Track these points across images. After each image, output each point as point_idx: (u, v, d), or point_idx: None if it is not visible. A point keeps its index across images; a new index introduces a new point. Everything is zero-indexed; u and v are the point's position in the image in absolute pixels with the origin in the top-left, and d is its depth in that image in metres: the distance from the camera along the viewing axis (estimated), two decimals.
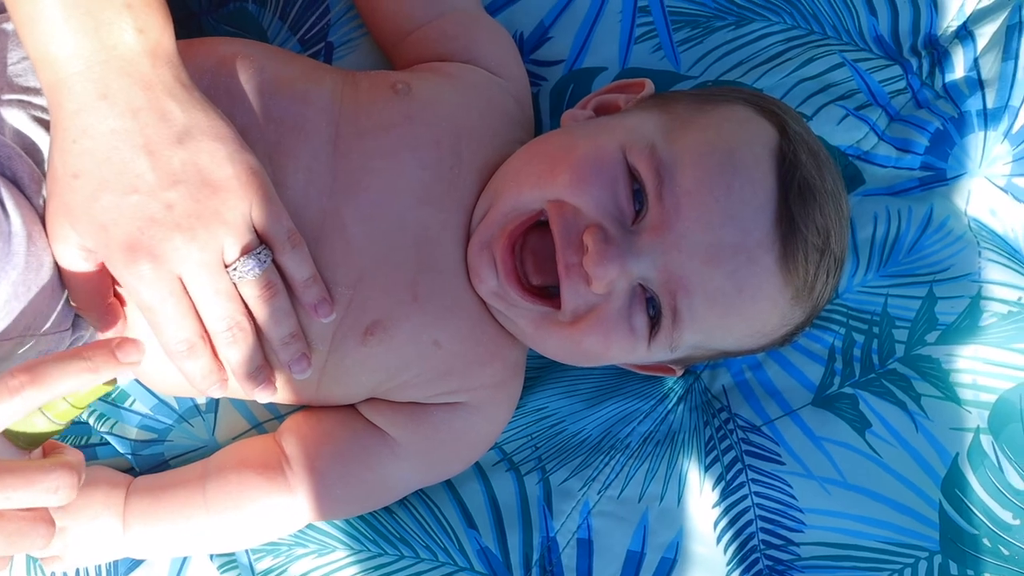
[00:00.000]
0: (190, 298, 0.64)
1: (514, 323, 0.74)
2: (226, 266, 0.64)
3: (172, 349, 0.66)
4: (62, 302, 0.68)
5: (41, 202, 0.67)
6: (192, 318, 0.65)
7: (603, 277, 0.67)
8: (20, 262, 0.63)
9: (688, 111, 0.72)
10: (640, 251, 0.68)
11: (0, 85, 0.68)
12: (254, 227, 0.65)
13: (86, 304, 0.67)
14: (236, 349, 0.66)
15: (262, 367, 0.68)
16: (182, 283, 0.64)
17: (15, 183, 0.66)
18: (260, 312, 0.66)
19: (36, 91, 0.68)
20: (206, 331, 0.66)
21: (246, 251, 0.64)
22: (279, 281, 0.67)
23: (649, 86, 0.79)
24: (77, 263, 0.65)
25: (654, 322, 0.71)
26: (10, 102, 0.67)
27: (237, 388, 0.70)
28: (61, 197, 0.62)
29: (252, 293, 0.66)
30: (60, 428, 0.60)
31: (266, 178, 0.66)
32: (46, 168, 0.67)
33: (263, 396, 0.69)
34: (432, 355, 0.74)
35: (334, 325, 0.72)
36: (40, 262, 0.65)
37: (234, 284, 0.65)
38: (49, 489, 0.55)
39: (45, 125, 0.67)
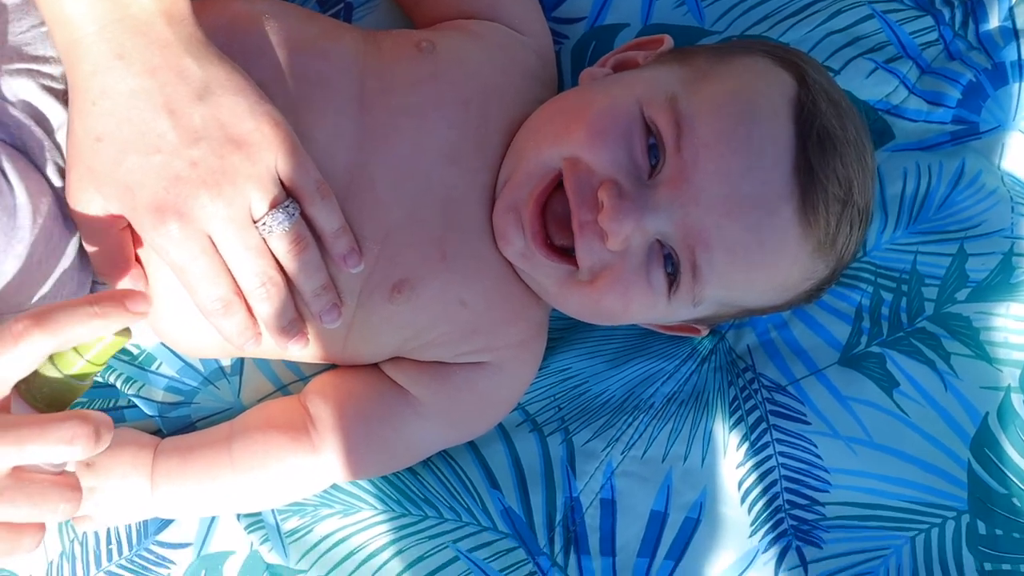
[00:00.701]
0: (221, 256, 0.64)
1: (538, 283, 0.74)
2: (255, 221, 0.64)
3: (208, 308, 0.66)
4: (78, 270, 0.69)
5: (50, 171, 0.67)
6: (225, 276, 0.65)
7: (618, 233, 0.67)
8: (26, 235, 0.64)
9: (707, 63, 0.72)
10: (656, 206, 0.67)
11: (9, 55, 0.68)
12: (280, 180, 0.65)
13: (109, 269, 0.68)
14: (269, 304, 0.66)
15: (295, 320, 0.69)
16: (212, 241, 0.64)
17: (25, 153, 0.66)
18: (291, 266, 0.66)
19: (45, 60, 0.68)
20: (239, 288, 0.66)
21: (274, 205, 0.64)
22: (308, 234, 0.67)
23: (668, 41, 0.77)
24: (100, 228, 0.65)
25: (672, 278, 0.70)
26: (19, 71, 0.67)
27: (269, 344, 0.70)
28: (85, 161, 0.62)
29: (282, 247, 0.65)
30: (82, 387, 0.60)
31: (290, 129, 0.65)
32: (57, 137, 0.68)
33: (296, 349, 0.70)
34: (458, 314, 0.74)
35: (362, 280, 0.72)
36: (49, 233, 0.66)
37: (263, 239, 0.65)
38: (63, 439, 0.54)
39: (55, 94, 0.67)
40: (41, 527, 0.58)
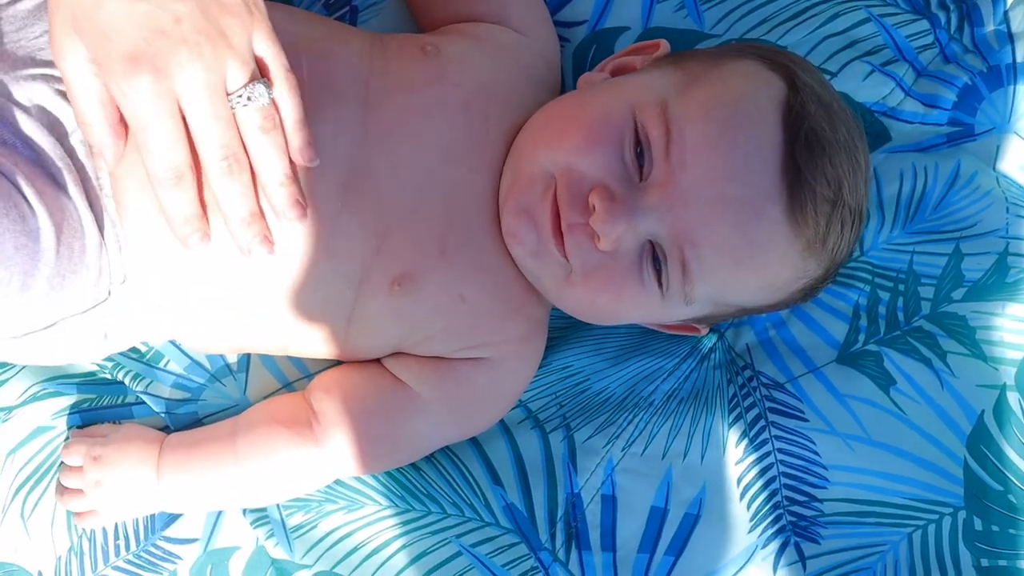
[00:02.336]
0: (186, 125, 0.62)
1: (541, 282, 0.76)
2: (228, 95, 0.62)
3: (160, 176, 0.62)
4: (96, 279, 0.70)
5: (67, 180, 0.68)
6: (185, 145, 0.62)
7: (609, 234, 0.68)
8: (51, 257, 0.65)
9: (700, 67, 0.73)
10: (646, 207, 0.69)
11: (24, 61, 0.69)
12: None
13: (94, 125, 0.65)
14: (231, 182, 0.63)
15: (256, 215, 0.65)
16: (179, 107, 0.61)
17: (39, 164, 0.66)
18: (259, 146, 0.63)
19: (55, 65, 0.68)
20: (196, 164, 0.63)
21: (250, 80, 0.62)
22: (277, 115, 0.64)
23: (665, 46, 0.79)
24: (86, 80, 0.62)
25: (662, 275, 0.71)
26: (33, 76, 0.68)
27: (271, 339, 0.70)
28: (67, 7, 0.60)
29: (254, 123, 0.63)
30: None
31: (266, 12, 0.64)
32: (71, 141, 0.68)
33: (261, 251, 0.66)
34: (457, 309, 0.75)
35: (362, 271, 0.73)
36: (71, 249, 0.66)
37: (233, 112, 0.62)
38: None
39: (66, 97, 0.68)
40: None
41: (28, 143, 0.68)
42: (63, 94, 0.68)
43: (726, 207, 0.68)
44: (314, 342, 0.77)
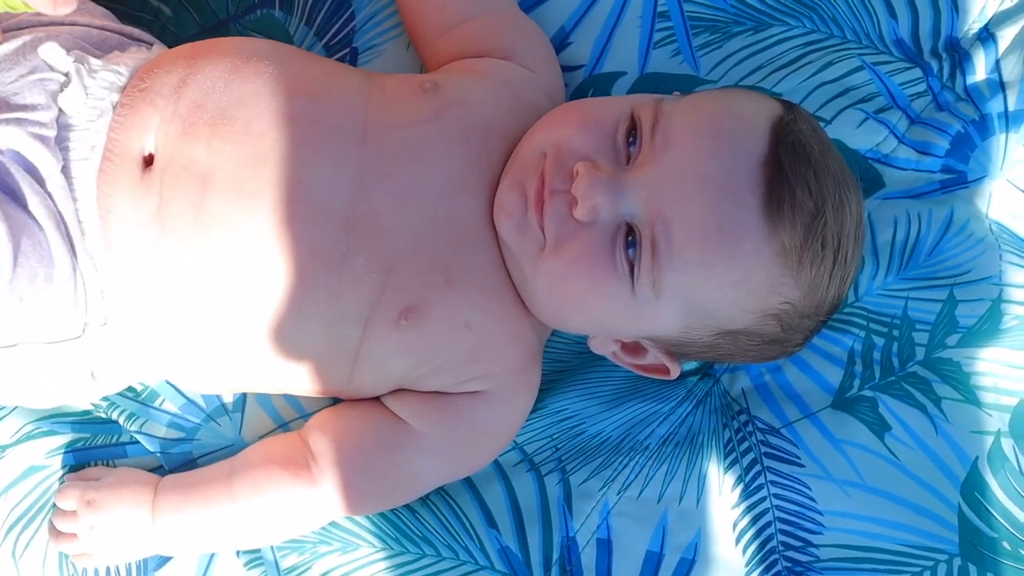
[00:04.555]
0: None
1: (520, 267, 0.75)
2: None
3: None
4: (71, 306, 0.70)
5: (41, 213, 0.68)
6: None
7: (587, 200, 0.69)
8: (6, 273, 0.66)
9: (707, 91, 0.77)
10: (627, 184, 0.70)
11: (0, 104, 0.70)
12: None
13: None
14: None
15: None
16: None
17: (10, 194, 0.67)
18: None
19: (33, 107, 0.70)
20: None
21: None
22: None
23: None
24: None
25: (634, 261, 0.71)
26: (7, 121, 0.69)
27: (264, 378, 0.71)
28: None
29: None
30: None
31: None
32: (48, 187, 0.70)
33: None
34: (463, 337, 0.76)
35: (369, 308, 0.73)
36: (33, 273, 0.67)
37: None
38: None
39: (44, 141, 0.70)
40: None
41: (2, 180, 0.68)
42: (40, 138, 0.69)
43: (701, 184, 0.69)
44: (317, 383, 0.78)
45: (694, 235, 0.69)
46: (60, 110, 0.72)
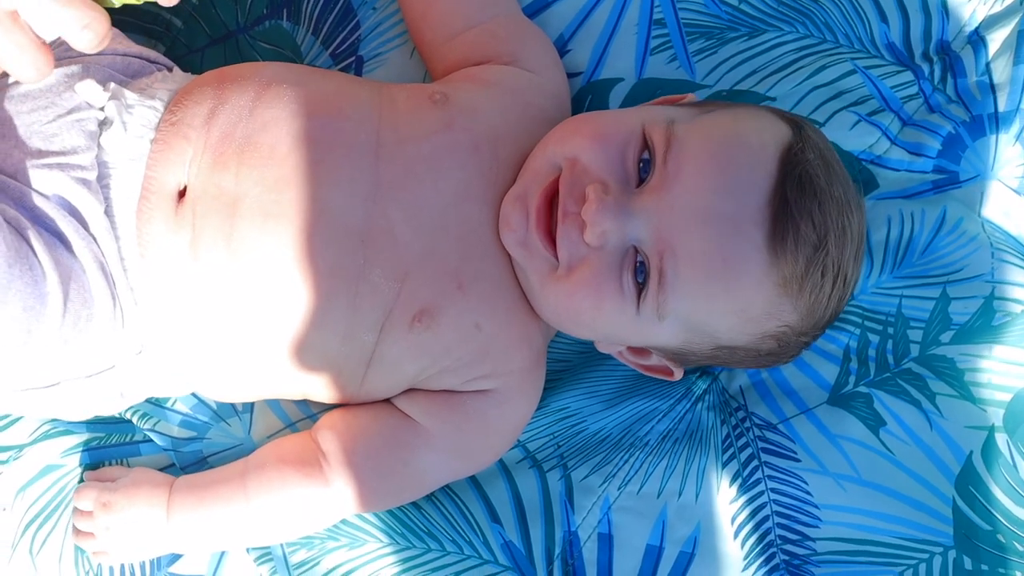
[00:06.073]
0: None
1: (527, 278, 0.77)
2: None
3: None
4: (108, 347, 0.72)
5: (85, 254, 0.70)
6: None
7: (597, 225, 0.70)
8: (56, 321, 0.67)
9: (715, 106, 0.77)
10: (636, 209, 0.72)
11: (39, 148, 0.71)
12: None
13: None
14: None
15: None
16: None
17: (55, 233, 0.69)
18: None
19: (73, 151, 0.71)
20: None
21: None
22: None
23: (692, 98, 0.83)
24: None
25: (642, 287, 0.73)
26: (50, 166, 0.71)
27: (284, 392, 0.75)
28: None
29: None
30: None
31: None
32: (91, 230, 0.71)
33: None
34: (473, 338, 0.78)
35: (384, 315, 0.75)
36: (77, 316, 0.69)
37: None
38: (79, 22, 0.56)
39: (87, 184, 0.71)
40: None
41: (45, 220, 0.70)
42: (83, 182, 0.71)
43: (709, 219, 0.70)
44: (332, 389, 0.80)
45: (699, 268, 0.71)
46: (100, 146, 0.73)
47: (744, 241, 0.70)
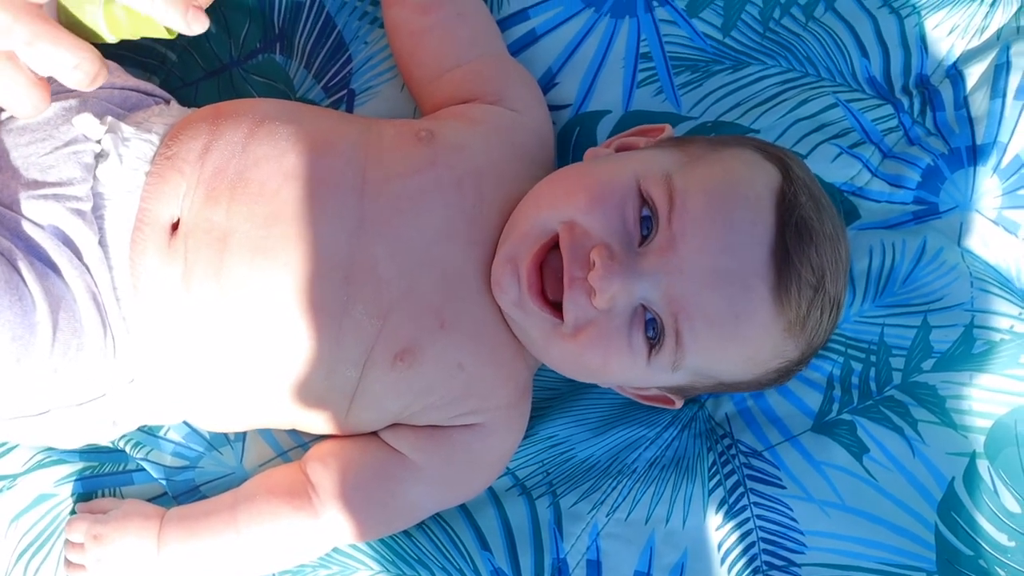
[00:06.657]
0: None
1: (527, 333, 0.78)
2: None
3: None
4: (98, 376, 0.73)
5: (81, 283, 0.71)
6: None
7: (606, 291, 0.71)
8: (45, 350, 0.68)
9: (701, 150, 0.78)
10: (643, 271, 0.72)
11: (35, 178, 0.72)
12: None
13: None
14: None
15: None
16: None
17: (45, 262, 0.70)
18: None
19: (68, 182, 0.72)
20: None
21: None
22: None
23: (668, 130, 0.84)
24: None
25: (653, 343, 0.74)
26: (46, 196, 0.72)
27: (271, 422, 0.75)
28: None
29: None
30: (107, 37, 0.62)
31: None
32: (86, 260, 0.72)
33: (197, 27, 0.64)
34: (455, 377, 0.79)
35: (367, 351, 0.76)
36: (66, 346, 0.70)
37: None
38: (70, 59, 0.58)
39: (81, 215, 0.72)
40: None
41: (38, 250, 0.71)
42: (78, 212, 0.72)
43: (719, 279, 0.72)
44: (317, 421, 0.81)
45: (715, 326, 0.73)
46: (95, 177, 0.74)
47: (753, 296, 0.72)
